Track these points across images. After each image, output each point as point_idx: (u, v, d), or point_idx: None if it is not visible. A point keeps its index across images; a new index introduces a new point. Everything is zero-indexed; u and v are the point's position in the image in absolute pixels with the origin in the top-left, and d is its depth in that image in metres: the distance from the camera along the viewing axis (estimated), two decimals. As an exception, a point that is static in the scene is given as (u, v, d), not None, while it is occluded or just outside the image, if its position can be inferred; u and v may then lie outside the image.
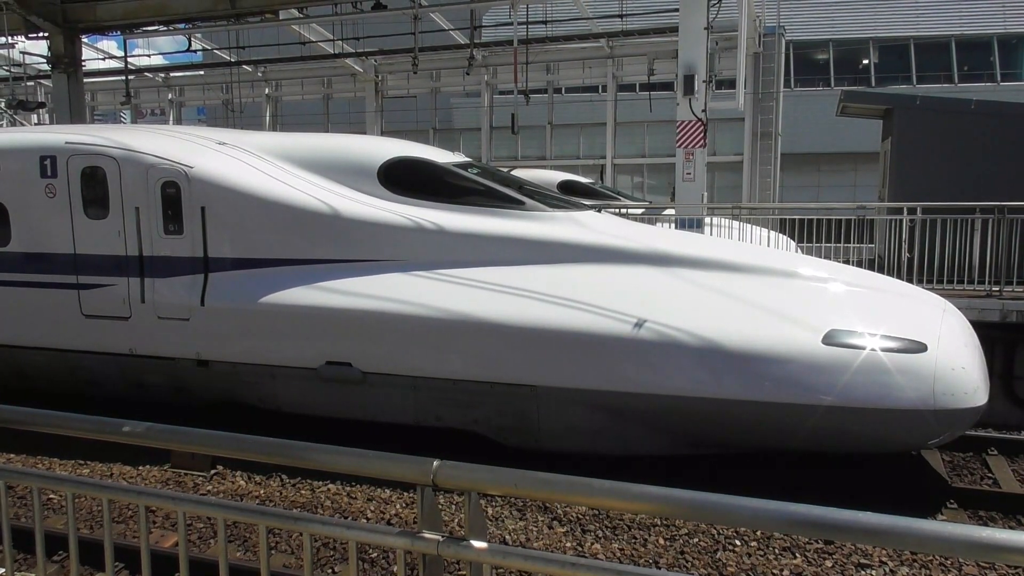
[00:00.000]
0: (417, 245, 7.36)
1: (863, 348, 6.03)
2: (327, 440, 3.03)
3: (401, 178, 7.83)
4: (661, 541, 5.64)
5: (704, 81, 11.57)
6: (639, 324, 6.40)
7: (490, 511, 6.14)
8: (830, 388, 5.96)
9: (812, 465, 6.71)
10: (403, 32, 17.64)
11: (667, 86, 20.58)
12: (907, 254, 10.14)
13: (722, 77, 19.04)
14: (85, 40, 19.20)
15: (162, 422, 3.16)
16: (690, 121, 11.61)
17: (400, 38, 18.78)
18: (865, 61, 30.91)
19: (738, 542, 5.56)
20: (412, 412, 7.21)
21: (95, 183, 7.86)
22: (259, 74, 24.64)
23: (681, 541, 5.62)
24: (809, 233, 10.91)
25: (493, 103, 23.59)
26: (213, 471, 7.02)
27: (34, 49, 19.80)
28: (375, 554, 5.44)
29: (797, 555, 5.37)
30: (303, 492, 6.62)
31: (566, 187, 14.98)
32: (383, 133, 22.72)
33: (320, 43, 21.27)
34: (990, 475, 7.15)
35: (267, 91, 25.17)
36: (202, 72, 25.77)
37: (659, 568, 5.29)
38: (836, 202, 15.52)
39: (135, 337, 7.88)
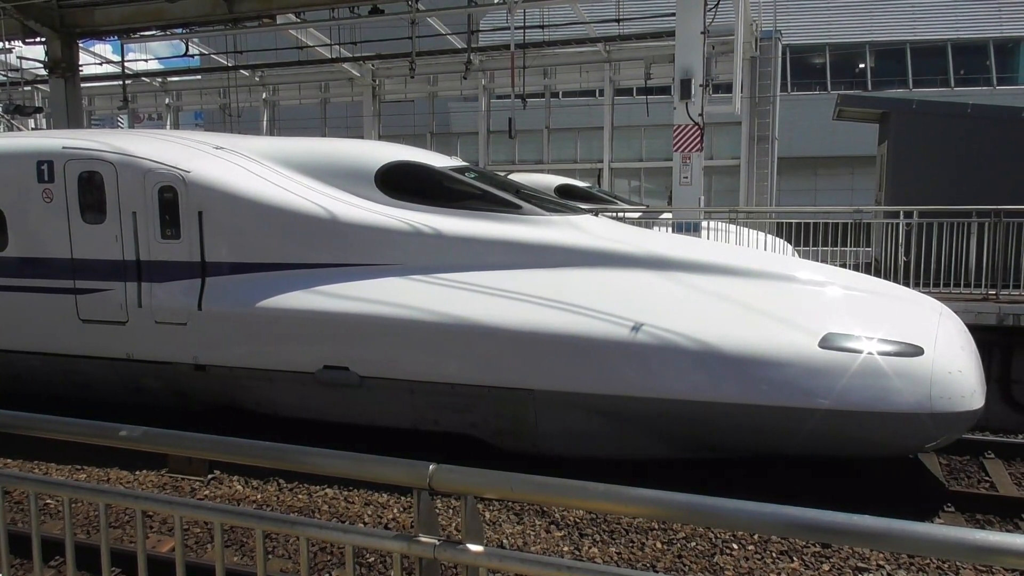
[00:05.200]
0: (414, 249, 7.37)
1: (860, 352, 6.04)
2: (324, 444, 3.03)
3: (398, 182, 7.84)
4: (658, 545, 5.64)
5: (701, 85, 11.60)
6: (636, 328, 6.41)
7: (487, 515, 6.14)
8: (827, 392, 5.96)
9: (809, 469, 6.71)
10: (400, 36, 17.66)
11: (664, 90, 20.63)
12: (904, 258, 10.17)
13: (719, 81, 19.11)
14: (82, 45, 19.19)
15: (159, 426, 3.16)
16: (687, 125, 11.63)
17: (397, 43, 18.80)
18: (861, 65, 30.97)
19: (735, 546, 5.56)
20: (409, 416, 7.21)
21: (92, 188, 7.86)
22: (256, 78, 24.65)
23: (678, 545, 5.62)
24: (806, 237, 10.93)
25: (490, 107, 23.63)
26: (210, 475, 7.01)
27: (31, 54, 19.75)
28: (372, 558, 5.43)
29: (794, 559, 5.37)
30: (300, 496, 6.61)
31: (563, 191, 15.01)
32: (380, 137, 22.74)
33: (317, 48, 21.29)
34: (987, 478, 7.16)
35: (264, 95, 25.19)
36: (199, 77, 25.76)
37: (656, 572, 5.29)
38: (833, 206, 15.56)
39: (132, 341, 7.87)
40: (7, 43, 17.89)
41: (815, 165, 28.82)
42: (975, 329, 7.25)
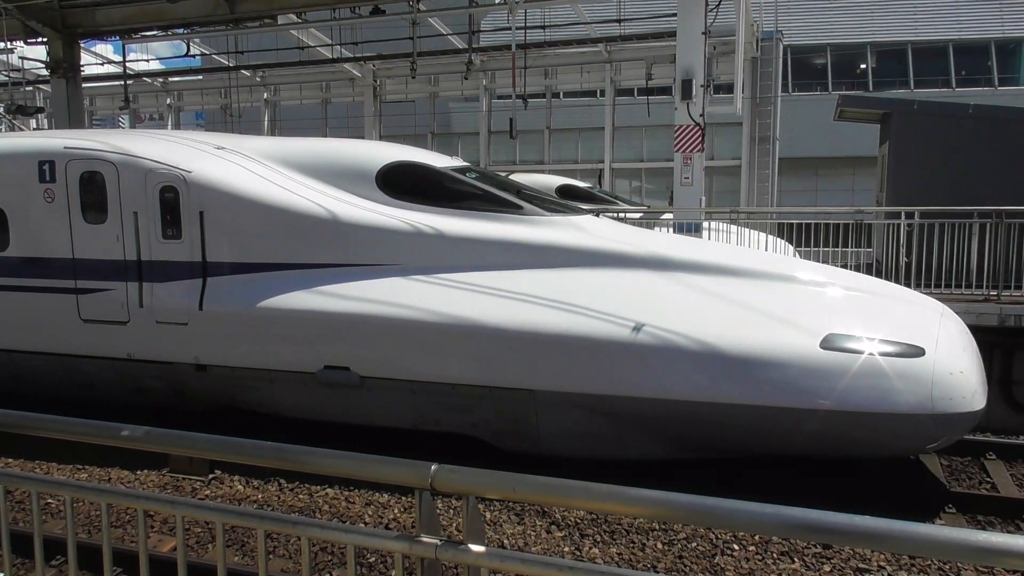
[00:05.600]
0: (415, 249, 7.37)
1: (861, 352, 6.04)
2: (325, 444, 3.03)
3: (399, 182, 7.84)
4: (659, 545, 5.64)
5: (702, 86, 11.60)
6: (637, 328, 6.41)
7: (488, 515, 6.14)
8: (828, 392, 5.96)
9: (810, 469, 6.71)
10: (402, 37, 17.66)
11: (665, 90, 20.64)
12: (905, 258, 10.16)
13: (720, 82, 19.10)
14: (83, 45, 19.20)
15: (160, 426, 3.16)
16: (688, 126, 11.63)
17: (399, 43, 18.79)
18: (863, 66, 30.95)
19: (736, 546, 5.56)
20: (411, 416, 7.21)
21: (93, 188, 7.86)
22: (257, 79, 24.66)
23: (679, 545, 5.62)
24: (807, 237, 10.93)
25: (491, 107, 23.64)
26: (211, 475, 7.01)
27: (33, 54, 19.76)
28: (373, 558, 5.43)
29: (795, 559, 5.37)
30: (301, 496, 6.61)
31: (564, 191, 15.01)
32: (381, 137, 22.74)
33: (319, 48, 21.30)
34: (988, 479, 7.16)
35: (265, 96, 25.20)
36: (200, 77, 25.78)
37: (657, 572, 5.29)
38: (834, 206, 15.54)
39: (133, 341, 7.88)
40: (9, 43, 17.89)
41: (816, 166, 28.81)
42: (976, 330, 7.24)
